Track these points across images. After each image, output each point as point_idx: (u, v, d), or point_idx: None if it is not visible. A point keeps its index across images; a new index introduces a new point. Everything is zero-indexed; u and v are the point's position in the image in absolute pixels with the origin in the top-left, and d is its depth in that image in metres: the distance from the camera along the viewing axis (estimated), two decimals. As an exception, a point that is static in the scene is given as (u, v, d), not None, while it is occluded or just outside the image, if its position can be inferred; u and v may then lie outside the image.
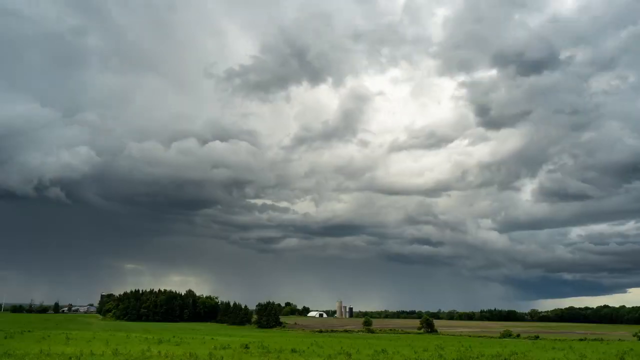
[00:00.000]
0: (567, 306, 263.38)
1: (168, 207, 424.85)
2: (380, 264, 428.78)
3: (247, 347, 43.38)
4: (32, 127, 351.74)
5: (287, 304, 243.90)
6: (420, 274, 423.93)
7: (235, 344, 47.32)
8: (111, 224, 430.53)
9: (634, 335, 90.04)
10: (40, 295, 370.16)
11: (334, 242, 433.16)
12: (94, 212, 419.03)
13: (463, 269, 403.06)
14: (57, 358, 31.42)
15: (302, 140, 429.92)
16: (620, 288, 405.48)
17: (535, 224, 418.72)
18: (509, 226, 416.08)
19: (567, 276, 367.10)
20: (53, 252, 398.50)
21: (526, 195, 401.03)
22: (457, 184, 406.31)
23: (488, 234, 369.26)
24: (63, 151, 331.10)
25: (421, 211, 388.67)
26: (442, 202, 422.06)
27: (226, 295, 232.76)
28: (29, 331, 62.66)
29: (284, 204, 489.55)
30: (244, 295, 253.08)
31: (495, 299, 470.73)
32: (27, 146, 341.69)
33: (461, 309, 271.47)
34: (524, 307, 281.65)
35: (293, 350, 42.06)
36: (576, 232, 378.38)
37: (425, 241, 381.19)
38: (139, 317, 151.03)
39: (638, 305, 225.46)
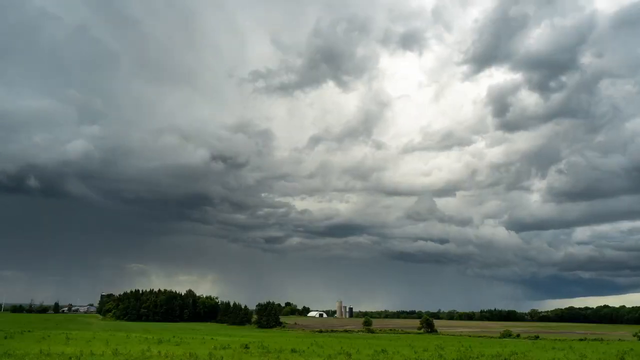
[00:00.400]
0: (567, 306, 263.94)
1: (175, 206, 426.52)
2: (382, 264, 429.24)
3: (247, 347, 43.40)
4: (39, 123, 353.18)
5: (287, 304, 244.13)
6: (423, 274, 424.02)
7: (235, 344, 47.34)
8: (113, 223, 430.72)
9: (634, 335, 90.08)
10: (40, 295, 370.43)
11: (337, 241, 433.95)
12: (95, 211, 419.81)
13: (469, 269, 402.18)
14: (57, 358, 31.43)
15: (317, 141, 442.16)
16: (636, 287, 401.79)
17: (544, 223, 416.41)
18: (521, 225, 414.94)
19: (584, 274, 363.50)
20: (54, 252, 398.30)
21: (535, 195, 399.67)
22: (465, 184, 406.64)
23: (496, 231, 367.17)
24: (68, 149, 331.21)
25: (426, 210, 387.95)
26: (450, 202, 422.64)
27: (231, 295, 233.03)
28: (29, 331, 62.66)
29: (287, 203, 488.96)
30: (247, 294, 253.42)
31: (502, 298, 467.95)
32: (30, 142, 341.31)
33: (464, 309, 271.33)
34: (532, 307, 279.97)
35: (293, 350, 42.07)
36: (593, 230, 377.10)
37: (430, 240, 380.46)
38: (139, 317, 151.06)
39: (639, 305, 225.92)
